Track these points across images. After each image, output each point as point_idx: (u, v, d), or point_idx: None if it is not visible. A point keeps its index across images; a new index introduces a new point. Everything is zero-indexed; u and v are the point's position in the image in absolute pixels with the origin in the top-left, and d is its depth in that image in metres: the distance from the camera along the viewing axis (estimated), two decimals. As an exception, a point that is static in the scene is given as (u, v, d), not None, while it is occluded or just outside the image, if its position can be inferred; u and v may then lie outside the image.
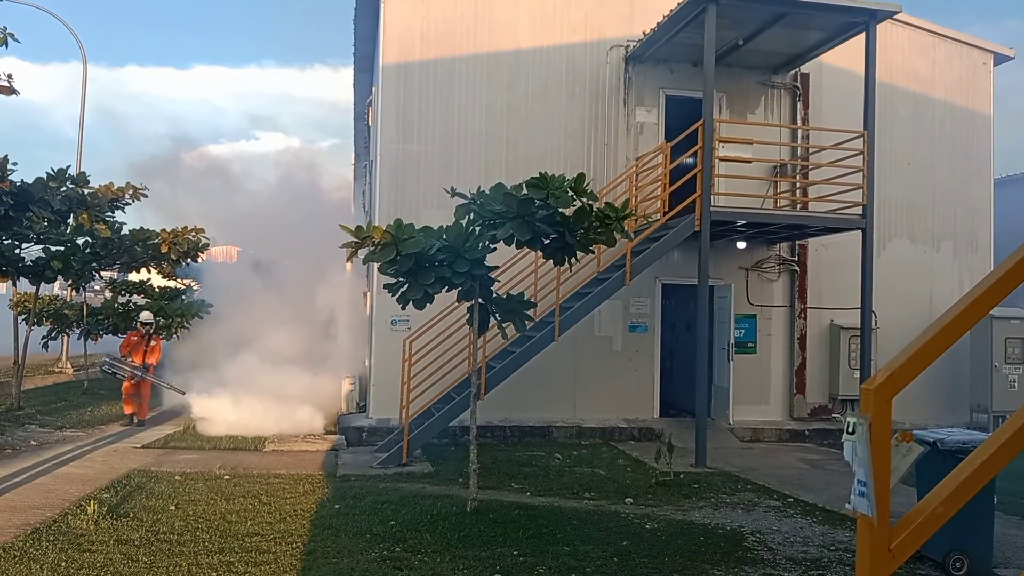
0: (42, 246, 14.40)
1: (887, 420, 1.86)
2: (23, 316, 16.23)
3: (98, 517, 7.44)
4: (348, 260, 8.18)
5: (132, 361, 13.98)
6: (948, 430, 7.55)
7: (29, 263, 14.35)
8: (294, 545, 6.95)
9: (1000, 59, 16.19)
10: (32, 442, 11.82)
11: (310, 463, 10.94)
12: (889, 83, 15.01)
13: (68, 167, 13.06)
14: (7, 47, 9.78)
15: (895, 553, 1.84)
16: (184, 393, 13.98)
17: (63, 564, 6.20)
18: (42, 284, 15.36)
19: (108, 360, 14.15)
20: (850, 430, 1.89)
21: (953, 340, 1.97)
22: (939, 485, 1.92)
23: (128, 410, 14.01)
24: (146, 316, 14.84)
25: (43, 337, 18.03)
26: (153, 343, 14.42)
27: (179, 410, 14.89)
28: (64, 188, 12.83)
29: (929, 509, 1.87)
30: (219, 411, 13.41)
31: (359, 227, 7.87)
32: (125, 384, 14.04)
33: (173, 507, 8.10)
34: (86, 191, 13.05)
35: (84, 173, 13.28)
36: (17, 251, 14.08)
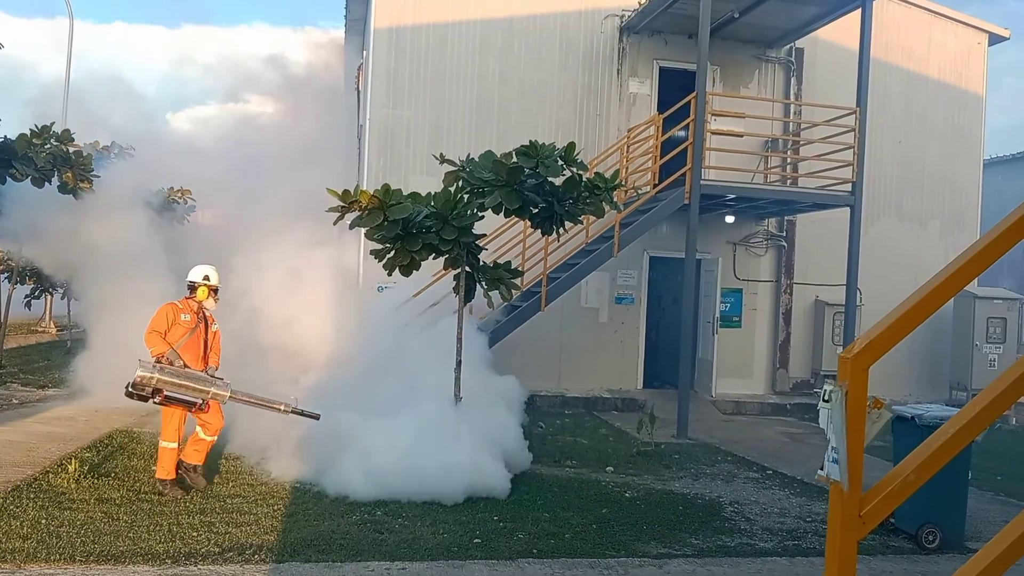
0: (25, 204, 14.21)
1: (863, 389, 1.88)
2: (5, 275, 16.08)
3: (79, 476, 7.42)
4: (334, 224, 8.12)
5: (182, 364, 7.27)
6: (927, 406, 7.65)
7: (12, 220, 14.18)
8: (275, 507, 6.98)
9: (995, 39, 16.14)
10: (14, 400, 11.77)
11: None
12: (883, 60, 14.95)
13: (52, 124, 12.87)
14: (-11, -2, 9.58)
15: (866, 519, 1.87)
16: (318, 417, 7.60)
17: (43, 521, 6.21)
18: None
19: (144, 372, 7.01)
20: (826, 398, 1.91)
21: (931, 311, 1.97)
22: (912, 454, 1.94)
23: (166, 471, 7.32)
24: (206, 272, 7.73)
25: (26, 296, 17.89)
26: (213, 326, 7.77)
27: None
28: (48, 145, 12.65)
29: (901, 477, 1.89)
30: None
31: (346, 191, 7.81)
32: (171, 411, 7.35)
33: (155, 467, 8.10)
34: (71, 149, 12.87)
35: (68, 130, 13.09)
36: None
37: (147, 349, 7.29)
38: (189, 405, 7.25)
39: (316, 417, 7.55)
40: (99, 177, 12.83)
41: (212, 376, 7.41)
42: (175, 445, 7.40)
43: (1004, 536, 1.88)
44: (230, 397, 7.34)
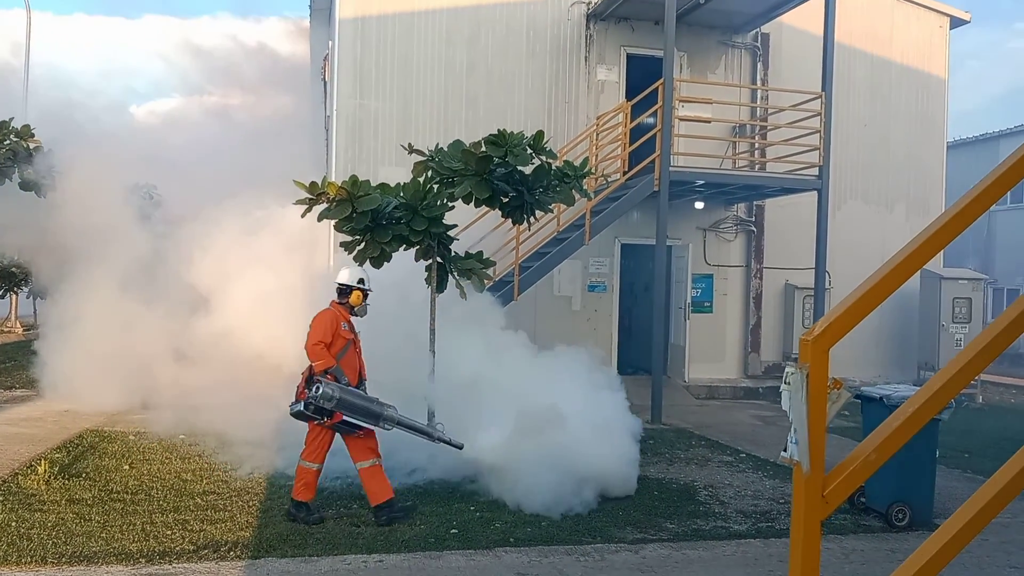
0: (-14, 202, 13.93)
1: (824, 370, 1.90)
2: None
3: (49, 477, 7.33)
4: (302, 216, 8.05)
5: (346, 382, 6.49)
6: (895, 386, 7.78)
7: (-27, 219, 13.90)
8: (250, 503, 6.94)
9: (956, 22, 16.35)
10: (-20, 402, 11.57)
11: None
12: (848, 45, 15.07)
13: (11, 119, 12.64)
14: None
15: (828, 499, 1.90)
16: (461, 447, 7.09)
17: (13, 524, 6.12)
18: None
19: (329, 390, 6.22)
20: (787, 380, 1.93)
21: (891, 291, 2.00)
22: (873, 433, 1.97)
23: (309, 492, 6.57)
24: (360, 274, 6.98)
25: (-10, 296, 17.58)
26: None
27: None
28: (8, 141, 12.43)
29: (862, 456, 1.92)
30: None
31: (313, 183, 7.75)
32: (320, 431, 6.56)
33: (127, 466, 8.02)
34: (31, 145, 12.64)
35: (28, 126, 12.86)
36: (-40, 207, 13.62)
37: (312, 363, 6.39)
38: (356, 430, 6.48)
39: (460, 447, 7.03)
40: (59, 173, 12.60)
41: (379, 400, 6.53)
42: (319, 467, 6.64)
43: (963, 512, 1.92)
44: (396, 424, 6.59)
